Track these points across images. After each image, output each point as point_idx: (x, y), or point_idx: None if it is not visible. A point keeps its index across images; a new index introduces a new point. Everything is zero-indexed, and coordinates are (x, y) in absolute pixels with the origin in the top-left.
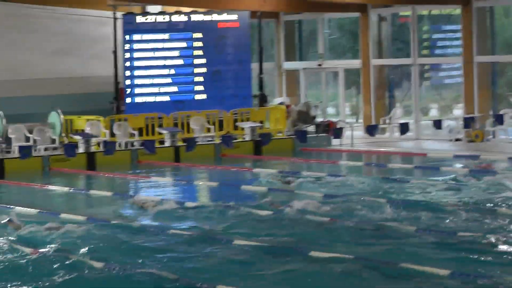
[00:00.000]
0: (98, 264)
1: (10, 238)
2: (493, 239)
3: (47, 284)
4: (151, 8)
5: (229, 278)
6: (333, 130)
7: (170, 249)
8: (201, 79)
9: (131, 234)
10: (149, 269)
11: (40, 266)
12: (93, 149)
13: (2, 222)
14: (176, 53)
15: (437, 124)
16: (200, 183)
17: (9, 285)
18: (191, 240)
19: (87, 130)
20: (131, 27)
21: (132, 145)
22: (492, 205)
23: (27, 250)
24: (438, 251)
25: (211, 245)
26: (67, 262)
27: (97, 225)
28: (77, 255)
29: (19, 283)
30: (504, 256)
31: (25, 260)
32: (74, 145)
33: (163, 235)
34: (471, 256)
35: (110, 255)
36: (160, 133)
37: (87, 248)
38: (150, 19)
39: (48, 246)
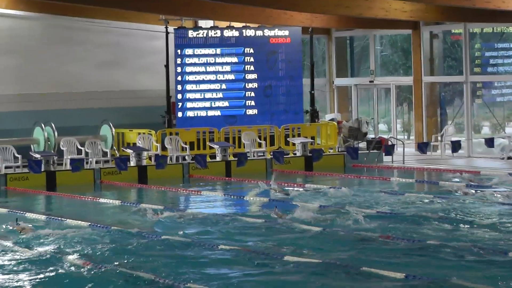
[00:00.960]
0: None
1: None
2: None
3: None
4: (202, 23)
5: None
6: (384, 146)
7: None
8: (252, 94)
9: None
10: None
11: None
12: (144, 162)
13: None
14: (227, 68)
15: (489, 142)
16: (251, 198)
17: None
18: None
19: (139, 143)
20: (183, 41)
21: (184, 159)
22: None
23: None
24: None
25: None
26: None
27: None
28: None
29: None
30: None
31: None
32: (125, 159)
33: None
34: None
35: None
36: (211, 148)
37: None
38: (202, 33)
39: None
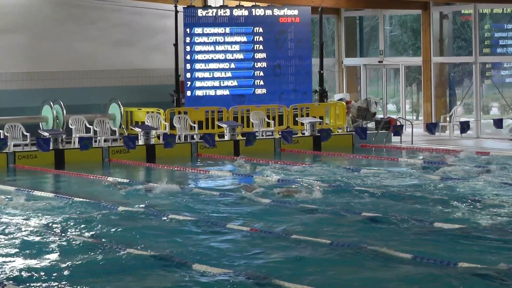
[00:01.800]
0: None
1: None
2: None
3: None
4: (212, 2)
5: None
6: (393, 127)
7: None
8: (261, 73)
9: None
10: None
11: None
12: (153, 141)
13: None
14: (236, 47)
15: (498, 123)
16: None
17: None
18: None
19: (147, 122)
20: (192, 20)
21: (192, 138)
22: None
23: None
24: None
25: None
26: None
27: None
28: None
29: None
30: None
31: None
32: (134, 137)
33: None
34: None
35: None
36: (220, 127)
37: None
38: (211, 12)
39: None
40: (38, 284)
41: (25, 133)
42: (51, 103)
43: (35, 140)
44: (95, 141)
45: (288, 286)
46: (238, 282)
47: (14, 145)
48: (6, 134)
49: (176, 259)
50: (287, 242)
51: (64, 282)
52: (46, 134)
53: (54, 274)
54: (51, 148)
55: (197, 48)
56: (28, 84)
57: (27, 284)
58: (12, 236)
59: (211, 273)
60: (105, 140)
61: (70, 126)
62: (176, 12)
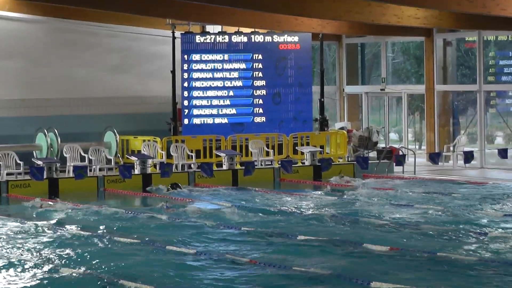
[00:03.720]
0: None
1: None
2: None
3: None
4: (210, 28)
5: None
6: (395, 156)
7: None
8: (260, 101)
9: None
10: None
11: None
12: (149, 170)
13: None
14: (235, 74)
15: (503, 153)
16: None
17: None
18: None
19: (143, 151)
20: (190, 47)
21: (190, 167)
22: None
23: None
24: None
25: None
26: None
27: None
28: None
29: None
30: None
31: None
32: (130, 166)
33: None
34: None
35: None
36: (218, 156)
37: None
38: (210, 39)
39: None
40: None
41: (18, 161)
42: (45, 130)
43: (28, 169)
44: (90, 170)
45: None
46: None
47: (7, 174)
48: None
49: None
50: None
51: None
52: (40, 162)
53: None
54: (45, 177)
55: (195, 75)
56: (22, 112)
57: None
58: None
59: None
60: (100, 169)
61: (65, 155)
62: (174, 38)
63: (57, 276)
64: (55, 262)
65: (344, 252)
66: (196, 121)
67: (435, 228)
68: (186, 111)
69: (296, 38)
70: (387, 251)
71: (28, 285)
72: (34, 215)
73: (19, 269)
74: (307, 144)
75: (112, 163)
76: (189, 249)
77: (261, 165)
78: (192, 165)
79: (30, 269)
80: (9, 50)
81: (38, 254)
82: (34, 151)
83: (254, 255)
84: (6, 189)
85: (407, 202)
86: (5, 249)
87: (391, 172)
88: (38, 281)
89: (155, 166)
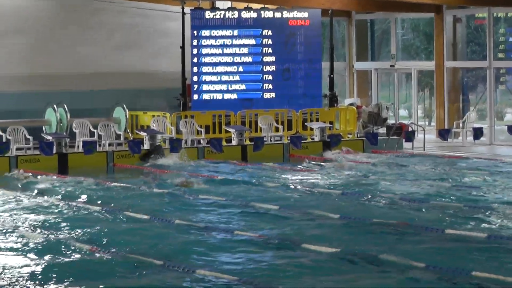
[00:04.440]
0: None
1: None
2: None
3: None
4: (220, 4)
5: None
6: (404, 133)
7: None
8: (270, 77)
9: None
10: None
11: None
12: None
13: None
14: (245, 50)
15: None
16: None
17: None
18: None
19: (153, 126)
20: (199, 22)
21: (199, 142)
22: None
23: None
24: None
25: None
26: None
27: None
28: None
29: None
30: None
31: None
32: (139, 142)
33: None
34: None
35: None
36: (227, 131)
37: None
38: (219, 15)
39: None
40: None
41: (28, 136)
42: (55, 106)
43: (38, 144)
44: (100, 145)
45: None
46: None
47: (17, 149)
48: (8, 137)
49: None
50: None
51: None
52: (49, 137)
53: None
54: (54, 152)
55: (204, 51)
56: (32, 87)
57: None
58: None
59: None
60: (109, 144)
61: (74, 130)
62: (183, 14)
63: (67, 252)
64: (63, 236)
65: (354, 227)
66: (206, 96)
67: (443, 204)
68: (196, 86)
69: (305, 14)
70: (396, 224)
71: (38, 259)
72: (43, 189)
73: (28, 244)
74: (317, 120)
75: (122, 139)
76: (199, 224)
77: (270, 140)
78: (201, 141)
79: (38, 244)
80: (19, 26)
81: (45, 229)
82: (43, 126)
83: (263, 230)
84: (15, 164)
85: (415, 178)
86: (12, 223)
87: (400, 148)
88: (45, 257)
89: (164, 141)
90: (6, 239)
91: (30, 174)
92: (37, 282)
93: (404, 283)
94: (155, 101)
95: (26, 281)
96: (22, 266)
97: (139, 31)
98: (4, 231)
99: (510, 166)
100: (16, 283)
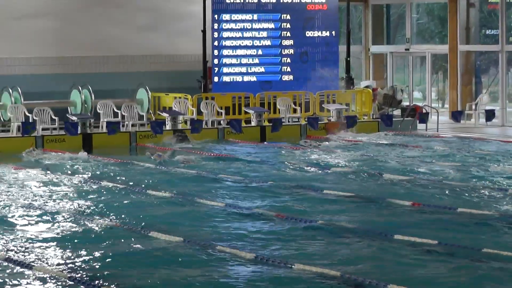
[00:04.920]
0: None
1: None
2: None
3: None
4: None
5: None
6: (418, 114)
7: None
8: (288, 60)
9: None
10: None
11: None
12: (180, 126)
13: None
14: (264, 34)
15: None
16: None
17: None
18: None
19: (175, 107)
20: (220, 6)
21: (219, 123)
22: None
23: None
24: None
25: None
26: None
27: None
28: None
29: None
30: None
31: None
32: (161, 122)
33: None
34: None
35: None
36: (246, 113)
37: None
38: None
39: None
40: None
41: (53, 117)
42: (80, 87)
43: (63, 124)
44: (123, 126)
45: None
46: None
47: (43, 129)
48: (35, 118)
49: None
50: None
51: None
52: (74, 118)
53: (79, 255)
54: (79, 132)
55: (225, 34)
56: (57, 69)
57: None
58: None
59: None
60: (132, 125)
61: (98, 111)
62: None
63: (89, 226)
64: (87, 212)
65: (368, 207)
66: (226, 79)
67: (456, 184)
68: (216, 69)
69: None
70: (410, 206)
71: (61, 232)
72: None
73: (53, 219)
74: (333, 102)
75: (144, 119)
76: (218, 202)
77: (288, 121)
78: (221, 122)
79: (62, 219)
80: (44, 9)
81: (69, 205)
82: (68, 107)
83: (280, 209)
84: (42, 143)
85: (429, 159)
86: (40, 199)
87: (414, 129)
88: (69, 230)
89: (185, 122)
90: (30, 213)
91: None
92: (65, 253)
93: (417, 260)
94: (177, 83)
95: (53, 250)
96: (47, 238)
97: (162, 14)
98: (24, 205)
99: None
100: (44, 253)
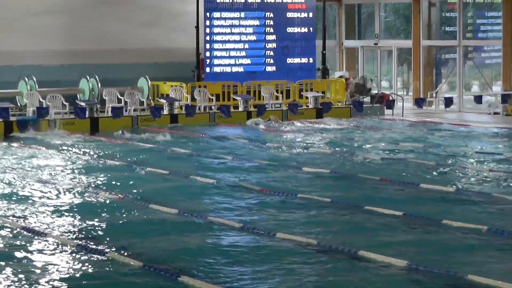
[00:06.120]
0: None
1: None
2: None
3: None
4: None
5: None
6: (386, 101)
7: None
8: (271, 53)
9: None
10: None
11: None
12: (176, 111)
13: None
14: (250, 30)
15: (478, 99)
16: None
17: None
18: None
19: (171, 94)
20: (211, 5)
21: (210, 109)
22: None
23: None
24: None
25: None
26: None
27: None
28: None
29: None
30: None
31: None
32: (159, 108)
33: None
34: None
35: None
36: (234, 99)
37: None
38: None
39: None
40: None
41: (64, 103)
42: (87, 76)
43: (73, 109)
44: (126, 111)
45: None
46: None
47: (55, 113)
48: (48, 103)
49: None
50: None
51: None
52: (83, 104)
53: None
54: (87, 116)
55: (216, 30)
56: (67, 60)
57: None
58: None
59: None
60: (134, 110)
61: (104, 97)
62: None
63: (97, 200)
64: (94, 187)
65: (341, 182)
66: (216, 69)
67: (419, 162)
68: (208, 61)
69: None
70: (378, 181)
71: (68, 205)
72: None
73: (62, 193)
74: (311, 90)
75: (145, 105)
76: (209, 179)
77: (272, 107)
78: (212, 107)
79: (71, 193)
80: (55, 7)
81: (79, 180)
82: (77, 94)
83: (264, 184)
84: (54, 125)
85: (395, 140)
86: (50, 175)
87: (382, 114)
88: (78, 203)
89: (181, 107)
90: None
91: None
92: (74, 220)
93: (384, 228)
94: (173, 73)
95: (63, 220)
96: (59, 209)
97: (160, 13)
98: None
99: (476, 130)
100: (55, 222)
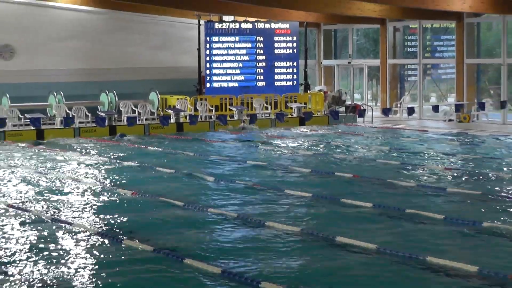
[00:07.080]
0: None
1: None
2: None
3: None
4: (226, 17)
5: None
6: (358, 111)
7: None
8: (261, 70)
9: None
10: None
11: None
12: (181, 120)
13: None
14: (243, 51)
15: (435, 108)
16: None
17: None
18: None
19: (177, 106)
20: (211, 31)
21: (210, 118)
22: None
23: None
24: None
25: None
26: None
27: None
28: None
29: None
30: None
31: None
32: (167, 117)
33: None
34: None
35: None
36: (231, 110)
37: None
38: (225, 25)
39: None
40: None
41: (87, 113)
42: (106, 91)
43: (94, 119)
44: (139, 120)
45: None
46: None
47: (79, 122)
48: (73, 114)
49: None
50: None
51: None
52: (103, 114)
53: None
54: (106, 124)
55: (214, 51)
56: (89, 78)
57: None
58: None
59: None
60: (146, 119)
61: (121, 109)
62: (199, 25)
63: (113, 197)
64: (110, 185)
65: (320, 179)
66: (215, 84)
67: (386, 161)
68: (208, 77)
69: (287, 25)
70: (351, 177)
71: (88, 201)
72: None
73: (82, 190)
74: (295, 101)
75: (155, 115)
76: (210, 177)
77: (262, 116)
78: (212, 116)
79: (90, 192)
80: (78, 33)
81: (98, 180)
82: (98, 106)
83: (256, 180)
84: (78, 133)
85: (366, 143)
86: (73, 173)
87: (355, 122)
88: (96, 199)
89: (185, 117)
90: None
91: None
92: (92, 214)
93: (357, 217)
94: (179, 88)
95: (87, 212)
96: (84, 203)
97: (168, 37)
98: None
99: (434, 135)
100: (80, 214)
